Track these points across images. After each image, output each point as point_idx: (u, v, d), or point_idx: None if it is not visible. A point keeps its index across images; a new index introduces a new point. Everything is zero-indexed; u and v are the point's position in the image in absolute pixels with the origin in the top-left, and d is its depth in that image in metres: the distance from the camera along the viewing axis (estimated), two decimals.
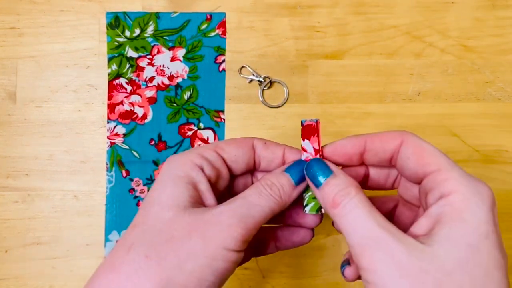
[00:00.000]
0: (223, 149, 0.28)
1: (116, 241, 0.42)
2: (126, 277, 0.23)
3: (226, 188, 0.29)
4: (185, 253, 0.23)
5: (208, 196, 0.27)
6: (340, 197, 0.24)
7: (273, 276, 0.42)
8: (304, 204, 0.29)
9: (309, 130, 0.28)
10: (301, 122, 0.29)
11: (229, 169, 0.29)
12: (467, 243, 0.22)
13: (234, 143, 0.28)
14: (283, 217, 0.30)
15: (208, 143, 0.43)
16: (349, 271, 0.28)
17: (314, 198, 0.28)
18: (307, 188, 0.28)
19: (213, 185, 0.27)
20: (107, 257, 0.25)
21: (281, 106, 0.43)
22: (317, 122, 0.28)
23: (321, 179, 0.26)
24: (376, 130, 0.43)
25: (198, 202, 0.26)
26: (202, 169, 0.27)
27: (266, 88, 0.43)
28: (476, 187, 0.23)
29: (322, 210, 0.28)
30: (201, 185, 0.26)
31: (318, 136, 0.28)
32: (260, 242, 0.31)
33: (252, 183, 0.30)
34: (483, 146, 0.43)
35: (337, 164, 0.28)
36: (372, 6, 0.44)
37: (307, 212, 0.28)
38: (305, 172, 0.27)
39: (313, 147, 0.28)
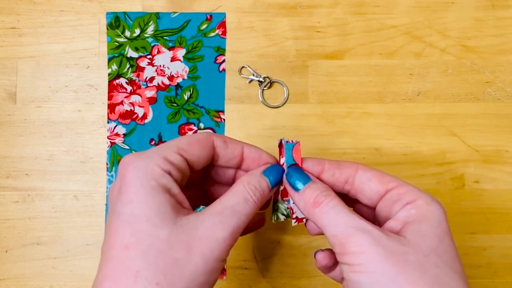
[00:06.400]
0: (186, 151, 0.28)
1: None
2: None
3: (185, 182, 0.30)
4: (190, 276, 0.24)
5: (182, 198, 0.27)
6: (321, 197, 0.28)
7: (273, 276, 0.42)
8: (274, 217, 0.31)
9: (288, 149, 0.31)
10: (281, 141, 0.31)
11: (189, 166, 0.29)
12: (435, 234, 0.26)
13: (197, 144, 0.28)
14: None
15: None
16: (321, 255, 0.31)
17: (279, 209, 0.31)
18: (275, 203, 0.31)
19: (178, 184, 0.28)
20: (108, 283, 0.24)
21: (281, 106, 0.43)
22: (297, 143, 0.30)
23: (300, 185, 0.29)
24: (376, 130, 0.43)
25: (177, 207, 0.26)
26: (170, 174, 0.27)
27: (266, 88, 0.43)
28: (431, 197, 0.28)
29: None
30: (173, 189, 0.26)
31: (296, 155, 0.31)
32: None
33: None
34: (483, 146, 0.43)
35: None
36: (372, 6, 0.44)
37: (281, 220, 0.31)
38: (285, 177, 0.30)
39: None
